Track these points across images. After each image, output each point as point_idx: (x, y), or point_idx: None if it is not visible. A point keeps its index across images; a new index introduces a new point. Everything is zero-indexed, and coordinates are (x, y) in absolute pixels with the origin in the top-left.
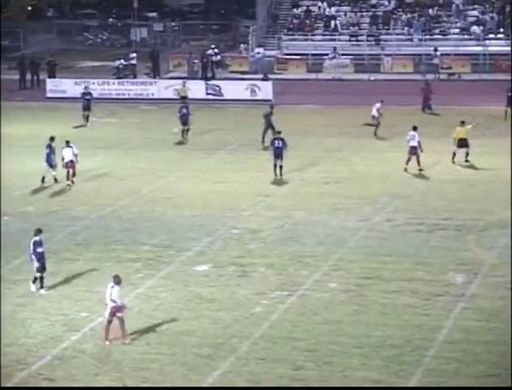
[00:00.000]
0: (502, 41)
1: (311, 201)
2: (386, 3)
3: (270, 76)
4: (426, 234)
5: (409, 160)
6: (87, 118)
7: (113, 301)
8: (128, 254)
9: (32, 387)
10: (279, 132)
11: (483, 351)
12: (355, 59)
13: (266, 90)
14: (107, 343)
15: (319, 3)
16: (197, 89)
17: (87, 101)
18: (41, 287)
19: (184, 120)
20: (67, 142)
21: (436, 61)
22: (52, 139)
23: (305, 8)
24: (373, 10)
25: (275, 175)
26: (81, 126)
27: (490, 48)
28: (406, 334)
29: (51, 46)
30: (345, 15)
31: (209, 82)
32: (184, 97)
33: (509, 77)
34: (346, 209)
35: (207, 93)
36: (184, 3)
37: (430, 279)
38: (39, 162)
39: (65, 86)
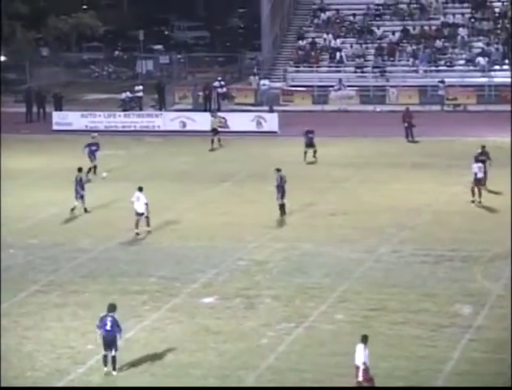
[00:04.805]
0: (507, 72)
1: (317, 233)
2: (391, 35)
3: (275, 108)
4: (432, 265)
5: (474, 191)
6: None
7: (364, 363)
8: (135, 286)
9: (32, 387)
10: (279, 170)
11: (490, 383)
12: (360, 91)
13: (272, 122)
14: None
15: (325, 35)
16: (202, 121)
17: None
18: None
19: None
20: (140, 189)
21: (441, 92)
22: (80, 170)
23: (310, 40)
24: (378, 41)
25: (284, 214)
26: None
27: (495, 79)
28: (413, 365)
29: (57, 79)
30: (351, 46)
31: (215, 114)
32: (214, 130)
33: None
34: (352, 240)
35: None
36: (190, 36)
37: (436, 310)
38: (44, 194)
39: (71, 119)
